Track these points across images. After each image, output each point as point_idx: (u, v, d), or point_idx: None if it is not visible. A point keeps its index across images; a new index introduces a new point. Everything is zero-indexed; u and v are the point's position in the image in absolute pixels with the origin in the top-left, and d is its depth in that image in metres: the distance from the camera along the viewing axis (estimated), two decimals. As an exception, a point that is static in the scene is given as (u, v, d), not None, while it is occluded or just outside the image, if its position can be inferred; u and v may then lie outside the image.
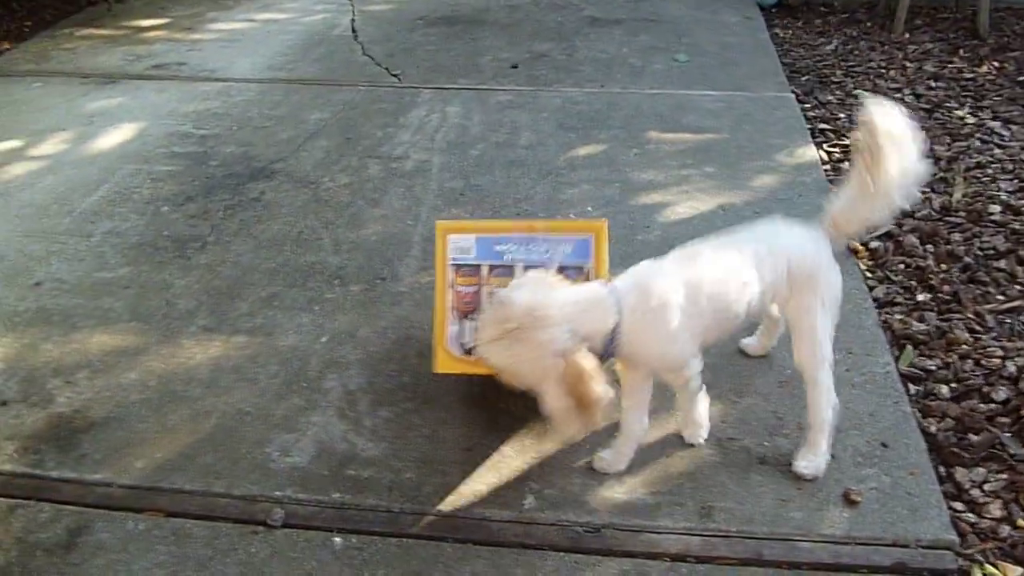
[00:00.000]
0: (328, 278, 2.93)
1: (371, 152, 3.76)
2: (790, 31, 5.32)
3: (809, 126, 3.97)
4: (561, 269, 2.32)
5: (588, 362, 1.88)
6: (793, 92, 4.33)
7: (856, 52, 4.90)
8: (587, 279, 2.34)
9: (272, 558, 2.02)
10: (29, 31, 5.37)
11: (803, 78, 4.56)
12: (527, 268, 2.33)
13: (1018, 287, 2.86)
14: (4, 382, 2.57)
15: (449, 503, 2.14)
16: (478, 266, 2.39)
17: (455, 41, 5.05)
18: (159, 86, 4.50)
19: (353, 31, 5.23)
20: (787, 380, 2.48)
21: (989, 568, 1.97)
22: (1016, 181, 3.48)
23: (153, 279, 2.97)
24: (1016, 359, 2.54)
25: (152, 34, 5.27)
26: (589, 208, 3.29)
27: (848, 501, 2.11)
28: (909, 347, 2.62)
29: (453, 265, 2.40)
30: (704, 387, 2.20)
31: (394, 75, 4.55)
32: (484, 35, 5.14)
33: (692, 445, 2.27)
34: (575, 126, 3.96)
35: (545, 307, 1.84)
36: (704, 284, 2.01)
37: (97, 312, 2.83)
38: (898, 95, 4.30)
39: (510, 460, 2.25)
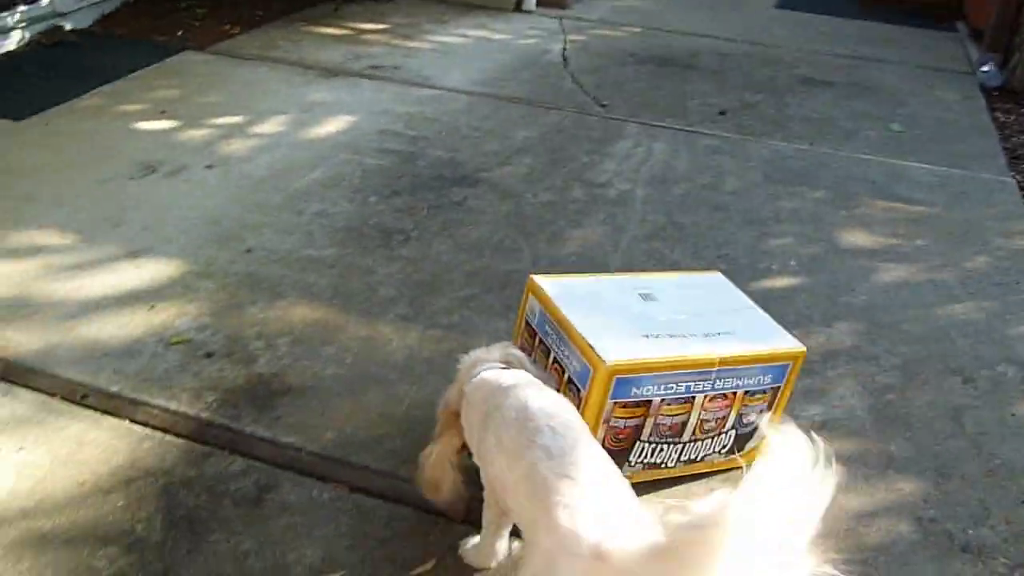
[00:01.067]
0: (523, 288, 2.95)
1: (576, 175, 3.79)
2: (1012, 116, 5.08)
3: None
4: (750, 392, 2.17)
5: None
6: (1014, 177, 4.13)
7: (1085, 146, 4.64)
8: (770, 403, 2.22)
9: (449, 550, 2.03)
10: (259, 20, 5.69)
11: (1022, 164, 4.34)
12: (712, 398, 2.14)
13: None
14: (211, 336, 2.69)
15: None
16: (648, 401, 2.09)
17: (664, 80, 5.06)
18: (375, 85, 4.67)
19: (564, 59, 5.31)
20: (996, 470, 2.33)
21: None
22: None
23: (357, 263, 3.07)
24: None
25: (372, 37, 5.49)
26: (792, 262, 3.21)
27: (1060, 609, 1.96)
28: None
29: (612, 401, 2.06)
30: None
31: (602, 105, 4.58)
32: (694, 79, 5.13)
33: (890, 520, 2.16)
34: (782, 179, 3.88)
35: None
36: None
37: (301, 285, 2.94)
38: None
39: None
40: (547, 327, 2.22)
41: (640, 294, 2.30)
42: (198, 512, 2.09)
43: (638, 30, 6.05)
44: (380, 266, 3.06)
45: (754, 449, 2.29)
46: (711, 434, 2.19)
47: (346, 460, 2.26)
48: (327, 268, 3.04)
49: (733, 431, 2.22)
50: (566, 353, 2.13)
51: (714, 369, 2.08)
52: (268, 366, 2.58)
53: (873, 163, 4.12)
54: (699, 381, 2.08)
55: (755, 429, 2.24)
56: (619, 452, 2.11)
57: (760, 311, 2.33)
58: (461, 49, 5.41)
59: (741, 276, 3.08)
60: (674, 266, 3.12)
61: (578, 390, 2.08)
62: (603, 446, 1.91)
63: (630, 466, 2.17)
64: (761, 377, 2.16)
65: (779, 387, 2.21)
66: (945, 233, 3.52)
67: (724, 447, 2.24)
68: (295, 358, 2.61)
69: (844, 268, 3.19)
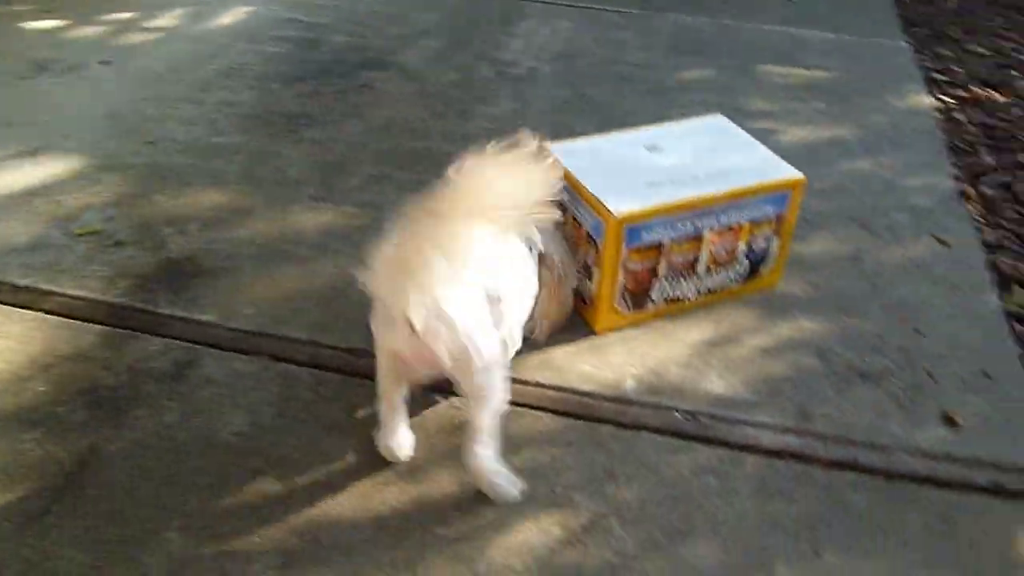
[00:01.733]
0: (438, 164, 2.90)
1: (481, 55, 3.76)
2: (910, -14, 5.18)
3: (922, 75, 3.88)
4: (755, 222, 2.34)
5: None
6: (908, 43, 4.23)
7: (977, 11, 4.77)
8: (776, 229, 2.38)
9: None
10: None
11: (919, 30, 4.45)
12: (719, 232, 2.30)
13: None
14: (119, 225, 2.64)
15: (549, 378, 2.17)
16: (659, 243, 2.26)
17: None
18: (271, -25, 4.53)
19: (463, -58, 5.20)
20: (892, 305, 2.46)
21: (1089, 499, 1.95)
22: None
23: (264, 148, 3.03)
24: None
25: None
26: (697, 127, 3.27)
27: (948, 421, 2.10)
28: (1018, 288, 2.58)
29: (627, 248, 2.25)
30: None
31: (505, -14, 4.52)
32: (595, -42, 5.09)
33: (795, 353, 2.28)
34: (687, 51, 3.92)
35: None
36: None
37: (209, 172, 2.89)
38: (1018, 55, 4.19)
39: (612, 346, 2.27)
40: (563, 189, 2.29)
41: (645, 146, 2.44)
42: (119, 391, 2.09)
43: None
44: (288, 150, 3.02)
45: (770, 271, 2.47)
46: (724, 265, 2.37)
47: (266, 332, 2.27)
48: (234, 155, 2.99)
49: (746, 260, 2.40)
50: (581, 211, 2.27)
51: (716, 206, 2.24)
52: (180, 250, 2.55)
53: (775, 33, 4.18)
54: (704, 218, 2.25)
55: (767, 254, 2.43)
56: (641, 292, 2.32)
57: (761, 146, 2.48)
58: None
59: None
60: (581, 135, 3.15)
61: (595, 242, 2.23)
62: (626, 288, 2.27)
63: (653, 303, 2.35)
64: (764, 207, 2.32)
65: (783, 213, 2.37)
66: (842, 95, 3.61)
67: (740, 275, 2.42)
68: (207, 242, 2.59)
69: (749, 131, 3.25)
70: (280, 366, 2.18)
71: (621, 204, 2.17)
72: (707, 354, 2.26)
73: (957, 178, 3.09)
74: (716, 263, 2.36)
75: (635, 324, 2.37)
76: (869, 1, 4.74)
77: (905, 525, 1.86)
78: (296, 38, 3.83)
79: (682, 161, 2.37)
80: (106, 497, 1.83)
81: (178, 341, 2.25)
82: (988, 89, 3.82)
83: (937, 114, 3.54)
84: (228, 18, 4.01)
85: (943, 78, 3.90)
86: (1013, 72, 4.01)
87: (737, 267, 2.41)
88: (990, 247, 2.76)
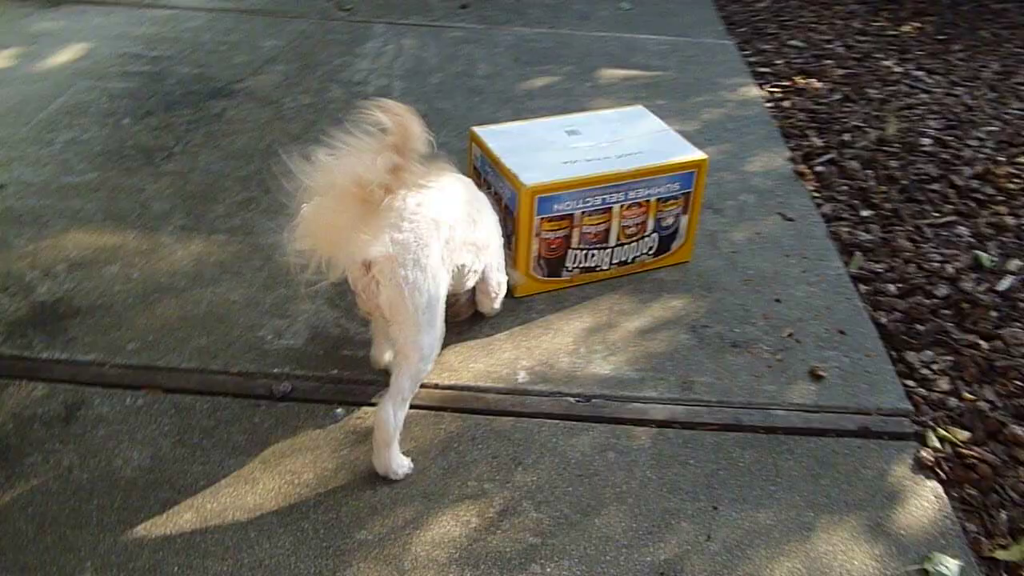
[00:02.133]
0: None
1: (331, 77, 3.80)
2: (724, -12, 5.52)
3: (749, 69, 4.16)
4: (662, 199, 2.54)
5: None
6: (732, 41, 4.52)
7: (788, 9, 5.14)
8: (684, 207, 2.59)
9: (276, 426, 2.08)
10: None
11: (740, 29, 4.76)
12: (628, 207, 2.50)
13: (950, 206, 3.11)
14: (-21, 275, 2.54)
15: (447, 379, 2.23)
16: (570, 215, 2.45)
17: (403, -19, 5.10)
18: (103, 10, 4.41)
19: (298, -32, 5.21)
20: (750, 278, 2.65)
21: (942, 432, 2.17)
22: (943, 120, 3.74)
23: (123, 183, 2.97)
24: (953, 263, 2.77)
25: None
26: (551, 131, 3.41)
27: (814, 376, 2.29)
28: (858, 253, 2.83)
29: (539, 217, 2.42)
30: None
31: (345, 9, 4.57)
32: (431, -23, 5.20)
33: (670, 331, 2.42)
34: (530, 61, 4.07)
35: None
36: None
37: (68, 212, 2.82)
38: (829, 46, 4.54)
39: (501, 343, 2.36)
40: (487, 167, 2.56)
41: (566, 131, 2.65)
42: (7, 440, 2.02)
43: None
44: (148, 183, 2.97)
45: (681, 246, 2.66)
46: (634, 238, 2.56)
47: (153, 365, 2.24)
48: (92, 192, 2.92)
49: (655, 234, 2.58)
50: (500, 185, 2.47)
51: (624, 182, 2.44)
52: (50, 293, 2.48)
53: (609, 39, 4.39)
54: (613, 193, 2.45)
55: (676, 231, 2.62)
56: (556, 260, 2.51)
57: (672, 132, 2.70)
58: (188, -32, 5.18)
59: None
60: (442, 148, 3.24)
61: (511, 212, 2.41)
62: (540, 256, 2.47)
63: (568, 271, 2.53)
64: (670, 185, 2.52)
65: (690, 192, 2.57)
66: (680, 92, 3.84)
67: (651, 248, 2.61)
68: (77, 282, 2.52)
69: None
70: (172, 397, 2.16)
71: (533, 177, 2.38)
72: (590, 340, 2.38)
73: (792, 160, 3.34)
74: (627, 236, 2.55)
75: (554, 289, 2.55)
76: (692, 5, 5.03)
77: (788, 473, 2.02)
78: (141, 72, 3.76)
79: (597, 143, 2.59)
80: (11, 548, 1.78)
81: (63, 384, 2.19)
82: (808, 78, 4.14)
83: (767, 104, 3.81)
84: (66, 56, 3.89)
85: (768, 71, 4.19)
86: (827, 61, 4.35)
87: (648, 241, 2.59)
88: (828, 219, 3.01)
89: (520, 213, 2.40)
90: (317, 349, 2.31)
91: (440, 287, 1.91)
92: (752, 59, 4.31)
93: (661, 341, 2.39)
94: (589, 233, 2.50)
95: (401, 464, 1.96)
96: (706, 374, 2.29)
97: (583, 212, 2.45)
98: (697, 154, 2.57)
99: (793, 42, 4.59)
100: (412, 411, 2.11)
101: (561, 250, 2.49)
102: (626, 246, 2.57)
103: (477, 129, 2.66)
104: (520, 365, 2.28)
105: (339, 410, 2.13)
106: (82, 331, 2.34)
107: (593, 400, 2.19)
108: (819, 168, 3.31)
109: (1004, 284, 2.71)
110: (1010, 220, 3.05)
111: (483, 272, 2.25)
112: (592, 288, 2.57)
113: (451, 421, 2.12)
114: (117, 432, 2.05)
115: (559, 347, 2.36)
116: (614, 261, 2.58)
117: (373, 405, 2.14)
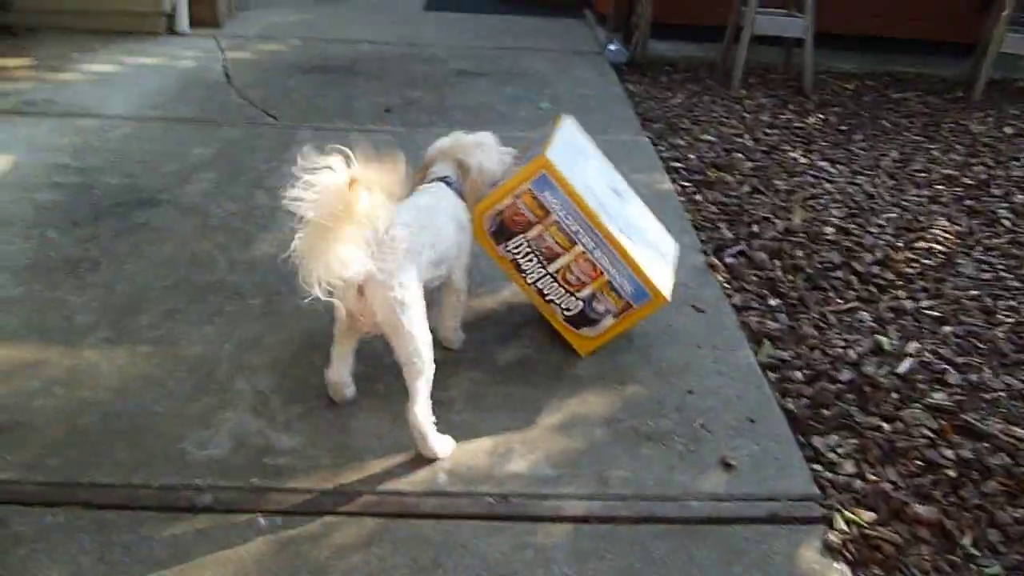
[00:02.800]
0: (227, 294, 3.03)
1: (257, 184, 3.88)
2: (640, 86, 5.78)
3: (663, 164, 4.35)
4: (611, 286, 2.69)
5: None
6: (647, 136, 4.73)
7: (700, 105, 5.40)
8: (619, 311, 2.73)
9: (198, 539, 2.10)
10: None
11: (655, 125, 4.98)
12: (586, 258, 2.64)
13: (853, 292, 3.27)
14: None
15: (367, 483, 2.28)
16: (548, 211, 2.61)
17: (329, 87, 5.25)
18: (31, 121, 4.47)
19: (227, 76, 5.34)
20: (663, 371, 2.75)
21: (848, 514, 2.27)
22: (845, 209, 3.95)
23: (48, 296, 2.99)
24: (855, 348, 2.92)
25: (18, 72, 5.21)
26: (473, 231, 3.53)
27: (725, 466, 2.38)
28: (766, 342, 2.96)
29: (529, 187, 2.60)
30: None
31: (272, 116, 4.69)
32: (357, 82, 5.36)
33: (586, 426, 2.50)
34: (452, 161, 4.21)
35: None
36: None
37: (-10, 328, 2.83)
38: (740, 139, 4.78)
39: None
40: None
41: (612, 188, 2.84)
42: (-81, 567, 2.01)
43: (298, 43, 6.18)
44: (73, 296, 3.00)
45: (584, 339, 2.75)
46: (567, 286, 2.67)
47: (74, 481, 2.25)
48: (15, 306, 2.93)
49: (582, 303, 2.68)
50: (533, 151, 2.71)
51: (604, 240, 2.61)
52: (-32, 412, 2.48)
53: (530, 139, 4.55)
54: (586, 235, 2.59)
55: (596, 321, 2.71)
56: (507, 231, 2.66)
57: (674, 258, 2.91)
58: (118, 77, 5.27)
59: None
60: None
61: (519, 167, 2.63)
62: (502, 215, 2.64)
63: (506, 249, 2.67)
64: (623, 281, 2.65)
65: (631, 306, 2.68)
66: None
67: (567, 311, 2.71)
68: (-3, 398, 2.53)
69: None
70: (93, 513, 2.17)
71: (559, 161, 2.57)
72: (509, 439, 2.45)
73: (704, 252, 3.50)
74: (564, 278, 2.67)
75: (488, 252, 2.72)
76: (609, 103, 5.26)
77: (702, 562, 2.10)
78: (68, 183, 3.80)
79: (629, 212, 2.81)
80: (-78, 677, 1.76)
81: (-21, 505, 2.19)
82: (720, 171, 4.34)
83: (680, 198, 3.98)
84: (-11, 169, 3.92)
85: (681, 165, 4.39)
86: (737, 154, 4.57)
87: (572, 302, 2.69)
88: (738, 309, 3.14)
89: (522, 171, 2.57)
90: (240, 459, 2.34)
91: (421, 300, 2.33)
92: (666, 155, 4.51)
93: (577, 437, 2.47)
94: (546, 243, 2.63)
95: (444, 444, 2.35)
96: (621, 468, 2.36)
97: (558, 223, 2.59)
98: (664, 289, 2.70)
99: (705, 136, 4.82)
100: (331, 518, 2.15)
101: (517, 228, 2.63)
102: (556, 285, 2.68)
103: (565, 117, 2.97)
104: (440, 467, 2.34)
105: (261, 520, 2.16)
106: (1, 448, 2.34)
107: (511, 499, 2.25)
108: (729, 260, 3.47)
109: (903, 367, 2.86)
110: (908, 304, 3.22)
111: (450, 277, 2.61)
112: (512, 386, 2.65)
113: (372, 525, 2.16)
114: (36, 551, 2.05)
115: (478, 447, 2.42)
116: (539, 285, 2.70)
117: (295, 514, 2.18)
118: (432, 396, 2.37)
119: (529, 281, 2.70)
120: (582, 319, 2.72)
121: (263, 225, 3.53)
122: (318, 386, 2.60)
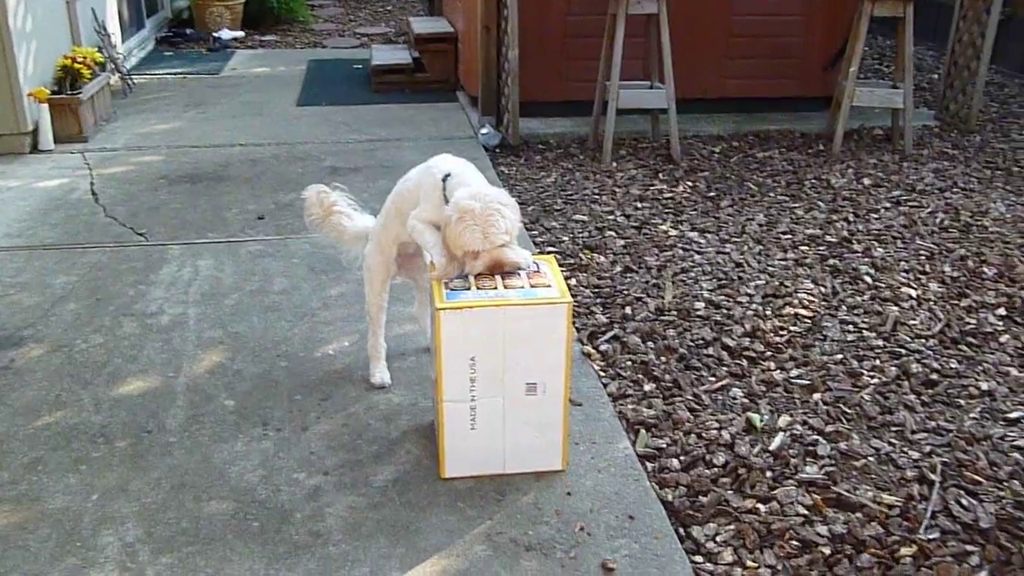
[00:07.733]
0: (92, 437, 2.93)
1: (124, 311, 3.79)
2: (514, 168, 5.87)
3: (538, 250, 4.41)
4: None
5: None
6: (521, 222, 4.78)
7: (573, 182, 5.51)
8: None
9: None
10: None
11: (529, 208, 5.06)
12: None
13: (725, 368, 3.35)
14: None
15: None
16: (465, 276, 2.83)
17: (199, 197, 5.18)
18: None
19: (93, 193, 5.23)
20: (542, 474, 2.76)
21: (726, 608, 2.29)
22: (714, 280, 4.06)
23: None
24: (729, 428, 2.98)
25: None
26: (346, 343, 3.51)
27: (606, 569, 2.39)
28: (643, 431, 2.99)
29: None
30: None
31: (140, 234, 4.60)
32: (228, 189, 5.31)
33: (465, 544, 2.48)
34: (325, 269, 4.19)
35: None
36: None
37: None
38: (611, 217, 4.88)
39: (297, 584, 2.36)
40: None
41: None
42: None
43: (166, 151, 6.10)
44: (-75, 457, 2.86)
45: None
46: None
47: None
48: None
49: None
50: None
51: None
52: None
53: (405, 234, 4.57)
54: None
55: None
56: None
57: None
58: (-24, 205, 5.12)
59: (303, 368, 3.32)
60: (237, 376, 3.28)
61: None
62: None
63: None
64: None
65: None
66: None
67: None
68: None
69: (396, 335, 3.54)
70: None
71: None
72: (387, 567, 2.41)
73: (580, 340, 3.54)
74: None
75: None
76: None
77: None
78: (-81, 330, 3.65)
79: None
80: None
81: None
82: (592, 252, 4.42)
83: (554, 284, 4.02)
84: None
85: (555, 250, 4.45)
86: (609, 232, 4.66)
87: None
88: (614, 398, 3.18)
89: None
90: (106, 623, 2.24)
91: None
92: (540, 239, 4.58)
93: (457, 557, 2.44)
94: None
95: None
96: (502, 585, 2.35)
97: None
98: None
99: (578, 216, 4.91)
100: None
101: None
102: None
103: None
104: (318, 606, 2.28)
105: None
106: None
107: (392, 633, 2.21)
108: (603, 347, 3.52)
109: (775, 443, 2.92)
110: (778, 375, 3.32)
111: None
112: (389, 508, 2.61)
113: None
114: None
115: (358, 578, 2.37)
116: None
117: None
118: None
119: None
120: None
121: (131, 356, 3.44)
122: (189, 530, 2.53)
